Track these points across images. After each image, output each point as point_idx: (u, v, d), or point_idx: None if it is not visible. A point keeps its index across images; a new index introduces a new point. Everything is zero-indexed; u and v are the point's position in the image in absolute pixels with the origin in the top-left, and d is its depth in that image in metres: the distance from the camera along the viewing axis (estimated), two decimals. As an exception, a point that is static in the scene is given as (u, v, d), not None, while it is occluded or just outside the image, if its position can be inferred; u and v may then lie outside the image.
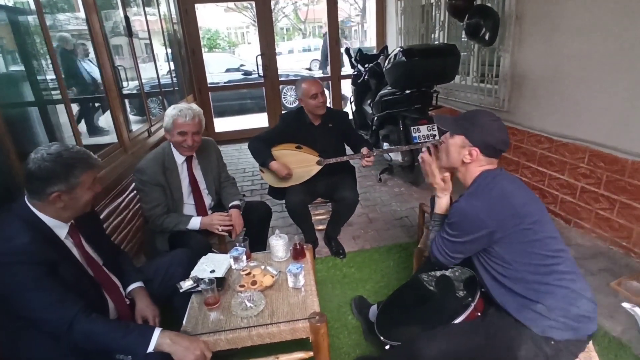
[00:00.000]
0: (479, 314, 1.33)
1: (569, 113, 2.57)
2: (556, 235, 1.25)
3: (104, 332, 1.18)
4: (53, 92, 2.21)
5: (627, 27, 2.12)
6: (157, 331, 1.20)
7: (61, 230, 1.28)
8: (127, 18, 3.15)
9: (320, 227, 2.69)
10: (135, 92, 3.46)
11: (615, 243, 2.37)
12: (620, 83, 2.21)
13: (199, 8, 5.04)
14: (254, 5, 5.22)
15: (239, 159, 4.73)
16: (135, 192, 2.63)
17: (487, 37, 3.01)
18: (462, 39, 3.69)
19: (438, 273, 1.54)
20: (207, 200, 2.11)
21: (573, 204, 2.63)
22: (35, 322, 1.16)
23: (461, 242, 1.24)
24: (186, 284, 1.49)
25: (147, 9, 3.80)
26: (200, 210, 2.05)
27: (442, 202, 1.42)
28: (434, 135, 3.12)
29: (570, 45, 2.50)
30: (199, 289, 1.47)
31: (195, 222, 1.91)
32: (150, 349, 1.17)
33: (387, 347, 1.40)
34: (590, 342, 1.30)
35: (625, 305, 0.48)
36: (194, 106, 1.95)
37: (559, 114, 2.64)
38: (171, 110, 1.89)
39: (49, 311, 1.14)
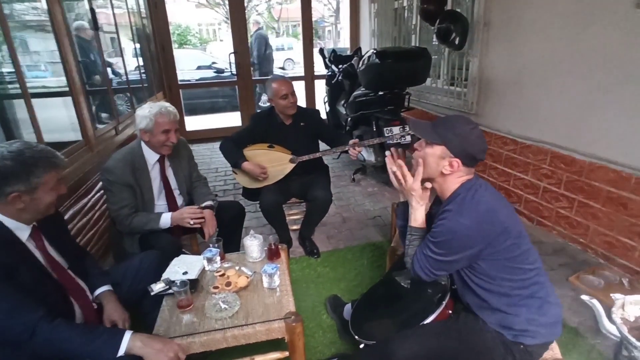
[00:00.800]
0: (450, 312, 1.38)
1: (531, 116, 2.70)
2: (530, 244, 1.24)
3: (70, 338, 1.12)
4: (10, 86, 2.09)
5: (580, 33, 2.26)
6: (128, 334, 1.16)
7: (22, 232, 1.22)
8: (92, 10, 3.01)
9: (295, 227, 2.69)
10: (100, 88, 3.32)
11: (574, 240, 2.51)
12: (576, 87, 2.35)
13: (169, 2, 4.90)
14: (226, 2, 5.13)
15: (211, 159, 4.64)
16: (101, 192, 2.53)
17: (456, 41, 3.12)
18: (433, 43, 3.79)
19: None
20: (179, 200, 2.05)
21: (536, 203, 2.77)
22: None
23: (448, 260, 1.18)
24: (157, 287, 1.45)
25: (114, 1, 3.65)
26: (173, 211, 1.99)
27: (418, 214, 1.30)
28: (406, 134, 3.18)
29: (531, 51, 2.64)
30: (171, 291, 1.43)
31: (166, 219, 1.85)
32: (121, 352, 1.13)
33: (362, 346, 1.42)
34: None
35: (584, 297, 0.51)
36: (167, 103, 1.90)
37: (523, 116, 2.77)
38: (148, 110, 1.82)
39: (7, 318, 1.07)
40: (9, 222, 1.18)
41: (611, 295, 0.64)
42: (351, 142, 2.27)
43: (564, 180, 2.52)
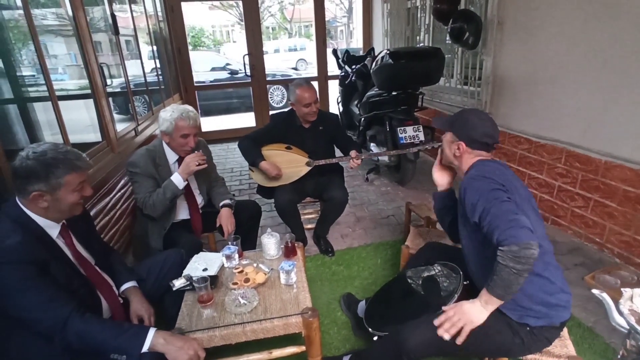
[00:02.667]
0: None
1: (546, 115, 2.69)
2: (538, 219, 1.31)
3: (98, 332, 1.18)
4: (40, 89, 2.19)
5: (597, 30, 2.24)
6: (152, 331, 1.21)
7: (52, 230, 1.28)
8: (113, 15, 3.11)
9: (309, 226, 2.73)
10: (119, 90, 3.43)
11: (589, 239, 2.49)
12: (592, 85, 2.33)
13: (184, 5, 5.00)
14: (239, 3, 5.22)
15: (226, 159, 4.73)
16: (122, 191, 2.62)
17: (470, 41, 3.12)
18: (447, 42, 3.79)
19: (425, 273, 1.59)
20: (199, 199, 2.13)
21: (551, 202, 2.75)
22: (28, 322, 1.16)
23: (505, 197, 1.18)
24: (179, 282, 1.51)
25: (132, 6, 3.76)
26: (193, 209, 2.07)
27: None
28: (418, 136, 3.19)
29: (546, 49, 2.62)
30: (192, 287, 1.49)
31: (177, 178, 1.87)
32: (145, 349, 1.18)
33: (375, 338, 1.46)
34: (566, 332, 1.38)
35: (595, 291, 0.52)
36: (189, 107, 1.95)
37: (537, 115, 2.76)
38: (170, 113, 1.87)
39: (41, 310, 1.14)
40: (40, 220, 1.24)
41: (621, 289, 0.65)
42: (351, 153, 2.34)
43: (579, 179, 2.50)
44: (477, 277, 1.38)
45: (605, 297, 0.52)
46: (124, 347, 1.19)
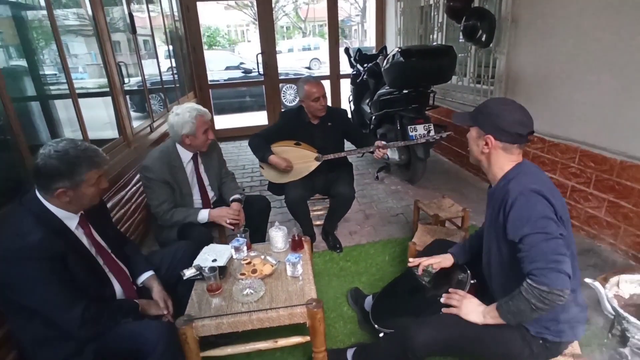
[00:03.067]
0: None
1: (560, 114, 2.65)
2: (570, 234, 1.21)
3: (110, 320, 1.30)
4: (61, 87, 2.28)
5: (612, 28, 2.20)
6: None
7: (71, 221, 1.34)
8: (131, 15, 3.20)
9: (318, 222, 2.76)
10: (136, 88, 3.53)
11: (603, 240, 2.45)
12: (607, 84, 2.29)
13: (199, 5, 5.09)
14: (254, 3, 5.28)
15: (238, 156, 4.80)
16: (137, 185, 2.70)
17: (483, 39, 3.09)
18: (460, 41, 3.76)
19: (432, 269, 1.59)
20: (211, 194, 2.19)
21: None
22: (42, 314, 1.23)
23: (557, 232, 1.07)
24: (189, 272, 1.56)
25: (149, 5, 3.85)
26: (205, 204, 2.13)
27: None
28: (429, 132, 3.18)
29: (560, 47, 2.59)
30: (201, 277, 1.54)
31: (204, 214, 1.98)
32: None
33: (381, 334, 1.47)
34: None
35: (587, 280, 0.52)
36: (195, 104, 2.01)
37: (551, 114, 2.72)
38: (188, 114, 1.90)
39: (58, 313, 1.21)
40: (59, 212, 1.30)
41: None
42: (377, 143, 2.31)
43: (593, 179, 2.46)
44: (493, 284, 1.35)
45: (598, 285, 0.53)
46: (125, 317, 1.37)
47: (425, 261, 1.54)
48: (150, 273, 1.58)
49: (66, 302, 1.22)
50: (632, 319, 0.43)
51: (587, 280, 0.52)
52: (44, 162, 1.23)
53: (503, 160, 1.23)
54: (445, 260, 1.56)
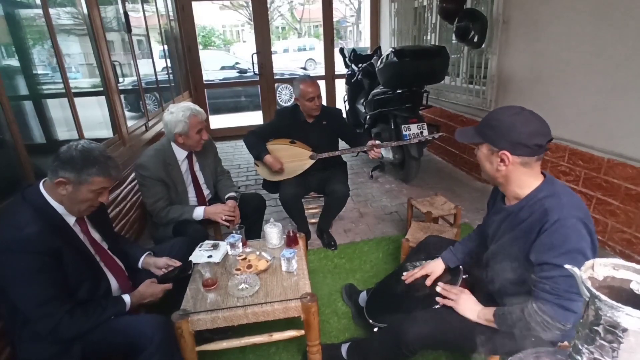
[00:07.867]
0: None
1: (550, 113, 2.68)
2: None
3: (88, 323, 1.29)
4: (57, 87, 2.28)
5: (601, 30, 2.25)
6: (127, 296, 1.42)
7: (70, 217, 1.35)
8: (126, 14, 3.21)
9: (313, 220, 2.79)
10: (131, 88, 3.53)
11: (592, 237, 2.50)
12: (596, 84, 2.34)
13: (195, 5, 5.10)
14: (249, 3, 5.30)
15: (234, 155, 4.81)
16: (132, 184, 2.71)
17: (475, 39, 3.14)
18: (453, 41, 3.81)
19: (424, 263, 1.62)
20: (206, 192, 2.20)
21: (554, 200, 2.75)
22: (21, 310, 1.24)
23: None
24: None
25: (144, 5, 3.86)
26: (201, 202, 2.15)
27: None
28: (423, 131, 3.21)
29: (550, 48, 2.64)
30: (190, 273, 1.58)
31: (199, 212, 2.01)
32: (127, 308, 1.41)
33: (375, 329, 1.50)
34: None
35: (567, 266, 0.54)
36: (191, 104, 2.02)
37: (542, 114, 2.69)
38: (181, 114, 1.91)
39: (35, 307, 1.21)
40: (59, 208, 1.31)
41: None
42: (370, 142, 2.33)
43: (582, 177, 2.51)
44: (496, 288, 1.32)
45: (576, 271, 0.55)
46: (113, 314, 1.36)
47: (418, 274, 1.55)
48: (147, 253, 1.64)
49: (46, 303, 1.21)
50: (604, 297, 0.46)
51: (567, 266, 0.54)
52: (67, 149, 1.27)
53: (524, 176, 1.12)
54: (437, 268, 1.54)
